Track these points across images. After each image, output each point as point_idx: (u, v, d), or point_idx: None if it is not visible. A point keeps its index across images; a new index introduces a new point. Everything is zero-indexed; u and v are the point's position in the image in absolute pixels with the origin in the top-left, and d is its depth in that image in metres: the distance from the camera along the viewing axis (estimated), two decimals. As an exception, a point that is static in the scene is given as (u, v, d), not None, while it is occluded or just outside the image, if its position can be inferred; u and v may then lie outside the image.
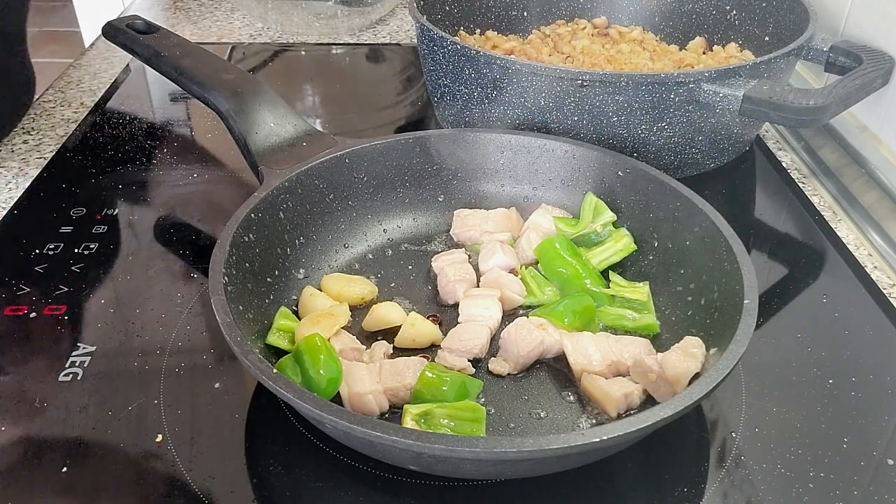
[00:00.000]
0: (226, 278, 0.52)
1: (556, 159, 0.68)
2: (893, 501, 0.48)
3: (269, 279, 0.59)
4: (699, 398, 0.44)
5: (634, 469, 0.50)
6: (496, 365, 0.55)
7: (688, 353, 0.51)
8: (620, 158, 0.65)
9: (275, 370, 0.45)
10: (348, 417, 0.42)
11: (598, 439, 0.41)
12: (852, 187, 0.78)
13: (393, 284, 0.64)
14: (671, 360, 0.51)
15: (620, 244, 0.63)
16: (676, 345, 0.53)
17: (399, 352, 0.57)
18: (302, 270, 0.62)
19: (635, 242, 0.63)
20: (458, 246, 0.67)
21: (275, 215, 0.61)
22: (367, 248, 0.67)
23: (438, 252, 0.66)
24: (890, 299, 0.65)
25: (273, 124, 0.69)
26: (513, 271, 0.63)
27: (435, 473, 0.48)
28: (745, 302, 0.49)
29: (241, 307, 0.52)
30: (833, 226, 0.74)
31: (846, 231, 0.74)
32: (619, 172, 0.65)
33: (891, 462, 0.50)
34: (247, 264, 0.56)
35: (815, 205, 0.77)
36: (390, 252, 0.67)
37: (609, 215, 0.64)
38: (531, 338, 0.55)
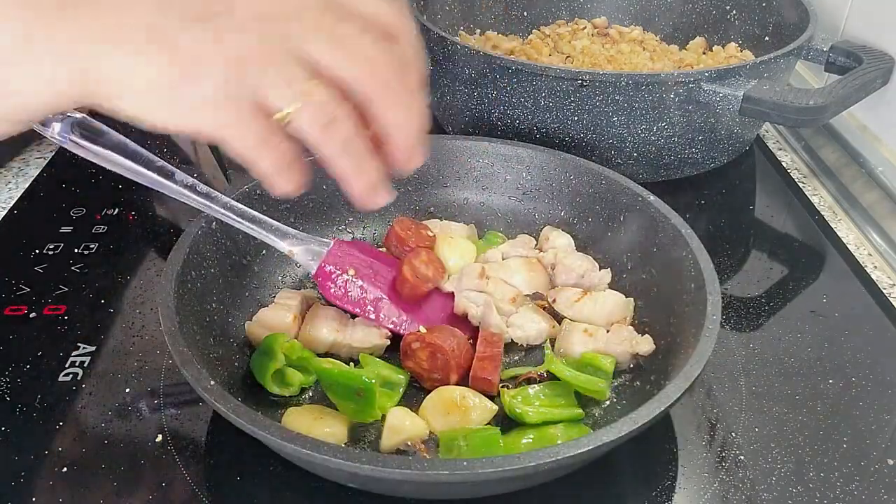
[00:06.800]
0: (184, 277, 0.53)
1: (533, 168, 0.67)
2: (893, 501, 0.48)
3: (244, 280, 0.59)
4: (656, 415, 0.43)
5: (633, 470, 0.50)
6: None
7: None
8: (596, 169, 0.64)
9: (212, 383, 0.44)
10: (280, 434, 0.42)
11: (533, 464, 0.40)
12: (852, 187, 0.78)
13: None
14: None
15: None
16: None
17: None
18: (276, 272, 0.62)
19: (608, 264, 0.62)
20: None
21: None
22: None
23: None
24: (890, 299, 0.65)
25: None
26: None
27: (378, 493, 0.47)
28: (708, 327, 0.49)
29: (209, 307, 0.54)
30: (833, 226, 0.74)
31: (846, 231, 0.74)
32: (594, 183, 0.64)
33: (891, 462, 0.50)
34: (216, 260, 0.57)
35: (815, 205, 0.77)
36: None
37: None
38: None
